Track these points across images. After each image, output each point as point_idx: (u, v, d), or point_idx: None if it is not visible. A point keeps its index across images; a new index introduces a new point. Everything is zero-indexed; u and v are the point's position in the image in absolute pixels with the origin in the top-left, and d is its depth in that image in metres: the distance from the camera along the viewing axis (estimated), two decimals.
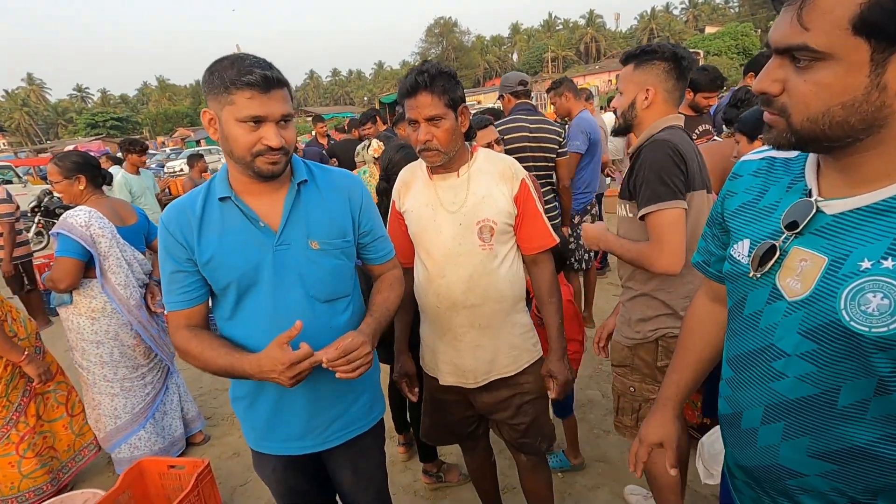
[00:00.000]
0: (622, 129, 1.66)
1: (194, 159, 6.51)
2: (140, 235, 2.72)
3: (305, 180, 1.28)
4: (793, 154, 0.83)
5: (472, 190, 1.52)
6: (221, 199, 1.24)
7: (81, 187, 2.52)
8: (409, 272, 1.68)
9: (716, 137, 3.19)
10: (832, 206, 0.71)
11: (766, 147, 0.90)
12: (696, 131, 3.40)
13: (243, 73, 1.08)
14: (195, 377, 3.87)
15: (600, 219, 4.08)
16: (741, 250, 0.83)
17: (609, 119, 6.00)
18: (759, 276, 0.78)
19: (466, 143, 1.57)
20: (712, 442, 1.63)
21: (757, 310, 0.79)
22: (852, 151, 0.68)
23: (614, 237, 1.65)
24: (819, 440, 0.73)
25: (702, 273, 1.05)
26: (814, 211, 0.72)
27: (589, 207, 3.86)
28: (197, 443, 2.99)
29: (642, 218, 1.48)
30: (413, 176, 1.63)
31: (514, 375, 1.60)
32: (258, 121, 1.11)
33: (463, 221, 1.50)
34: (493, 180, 1.53)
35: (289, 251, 1.24)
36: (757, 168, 0.87)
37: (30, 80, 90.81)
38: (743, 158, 0.92)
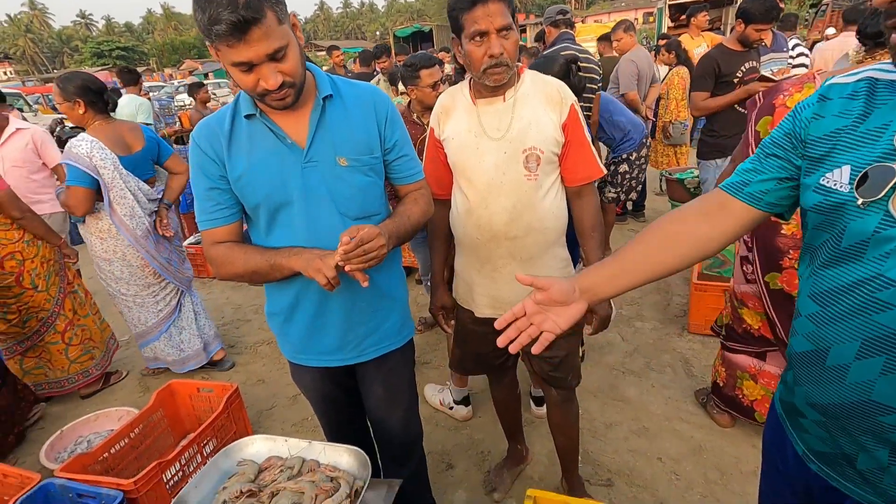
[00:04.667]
0: None
1: (195, 89, 6.17)
2: (147, 161, 2.69)
3: (330, 95, 1.23)
4: None
5: (517, 115, 1.41)
6: (248, 117, 1.21)
7: (81, 111, 2.48)
8: (445, 204, 1.62)
9: (768, 76, 2.95)
10: None
11: (862, 69, 0.80)
12: (742, 68, 3.04)
13: (213, 23, 0.98)
14: (218, 307, 3.95)
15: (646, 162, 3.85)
16: (838, 178, 0.76)
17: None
18: (867, 203, 0.71)
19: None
20: None
21: (861, 240, 0.73)
22: None
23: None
24: None
25: (729, 192, 0.90)
26: None
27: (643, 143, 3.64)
28: (218, 360, 3.07)
29: None
30: (454, 101, 1.52)
31: None
32: (247, 65, 1.05)
33: (508, 149, 1.41)
34: (540, 105, 1.42)
35: (317, 168, 1.22)
36: (853, 91, 0.79)
37: (31, 5, 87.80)
38: (831, 81, 0.83)
